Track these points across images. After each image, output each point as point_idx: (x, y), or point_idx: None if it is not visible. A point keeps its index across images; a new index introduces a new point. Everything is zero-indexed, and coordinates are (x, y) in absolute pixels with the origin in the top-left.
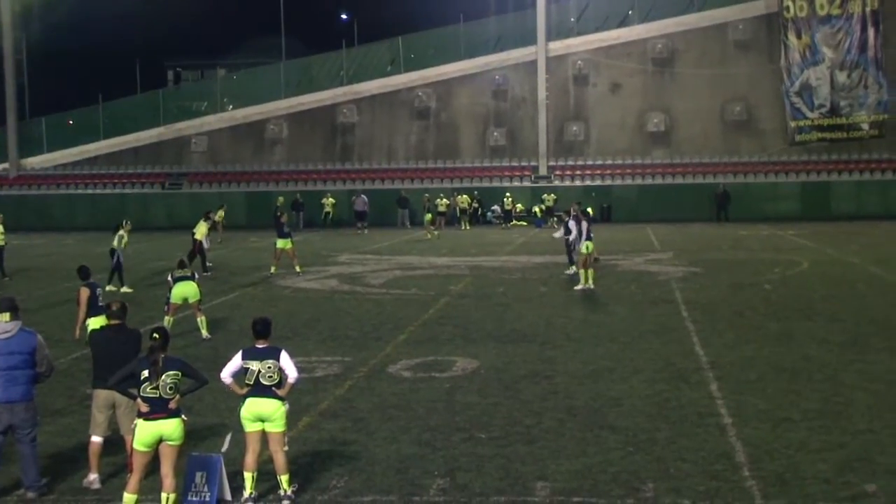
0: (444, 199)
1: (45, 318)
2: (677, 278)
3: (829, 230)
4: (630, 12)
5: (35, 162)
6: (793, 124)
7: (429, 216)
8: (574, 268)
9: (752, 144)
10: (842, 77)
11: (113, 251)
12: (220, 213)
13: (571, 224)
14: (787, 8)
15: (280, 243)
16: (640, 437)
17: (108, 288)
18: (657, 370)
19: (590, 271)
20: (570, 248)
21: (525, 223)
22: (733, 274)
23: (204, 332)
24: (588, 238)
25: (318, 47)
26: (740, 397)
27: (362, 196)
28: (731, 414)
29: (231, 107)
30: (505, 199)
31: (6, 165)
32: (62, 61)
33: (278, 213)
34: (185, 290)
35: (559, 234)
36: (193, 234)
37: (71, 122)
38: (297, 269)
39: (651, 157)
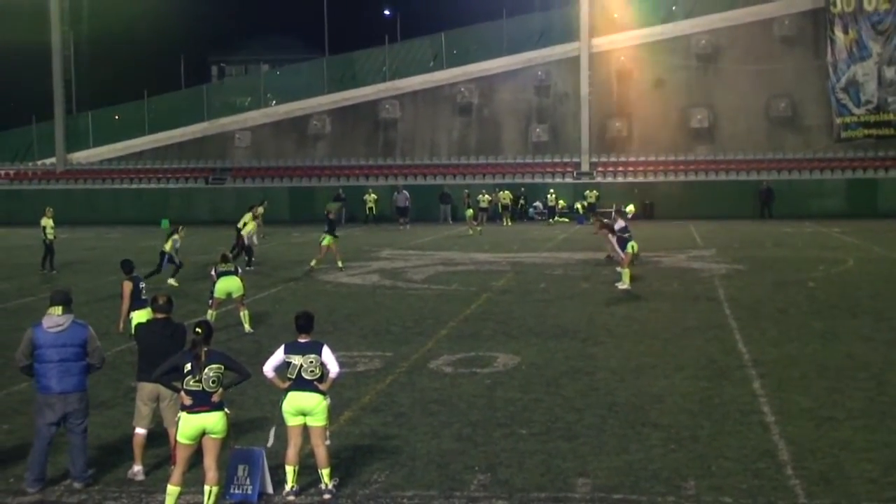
0: (486, 195)
1: (91, 311)
2: (720, 275)
3: (875, 227)
4: (674, 8)
5: (81, 157)
6: (839, 121)
7: (470, 212)
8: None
9: (797, 141)
10: (889, 73)
11: (162, 253)
12: (260, 209)
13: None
14: (834, 3)
15: (326, 239)
16: (682, 435)
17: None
18: (699, 367)
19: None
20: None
21: (567, 219)
22: (777, 271)
23: (247, 327)
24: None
25: (361, 43)
26: (783, 395)
27: (404, 192)
28: (775, 412)
29: (274, 102)
30: (549, 196)
31: (53, 160)
32: (108, 57)
33: (327, 212)
34: (228, 285)
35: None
36: (239, 228)
37: (117, 116)
38: (339, 264)
39: (694, 154)
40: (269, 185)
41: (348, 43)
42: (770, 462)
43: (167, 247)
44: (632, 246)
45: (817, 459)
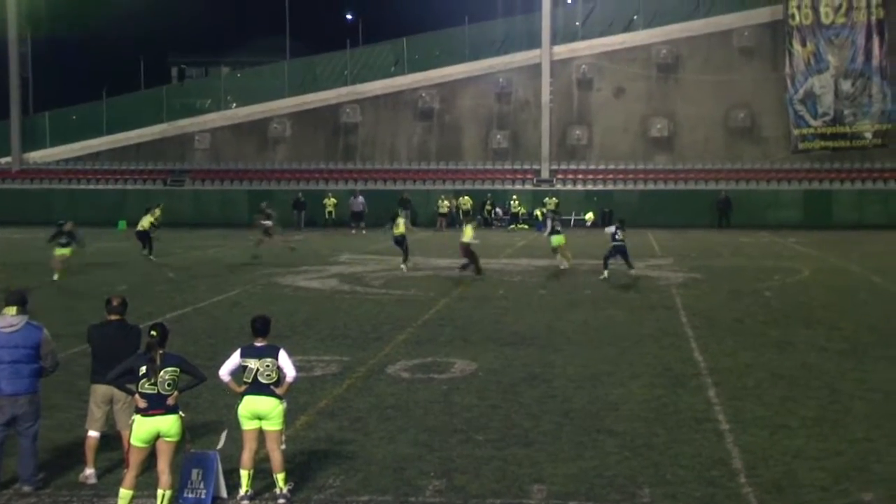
0: (445, 201)
1: (43, 312)
2: (677, 284)
3: (830, 238)
4: (635, 17)
5: (38, 156)
6: (796, 132)
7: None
8: (607, 272)
9: (755, 151)
10: (846, 86)
11: (400, 239)
12: (157, 211)
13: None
14: (793, 16)
15: (58, 251)
16: (638, 442)
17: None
18: (656, 375)
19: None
20: (611, 254)
21: (526, 226)
22: (733, 280)
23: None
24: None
25: (322, 47)
26: (738, 403)
27: (360, 196)
28: (729, 420)
29: (234, 105)
30: (511, 202)
31: (9, 159)
32: (66, 56)
33: (61, 222)
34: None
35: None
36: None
37: (75, 116)
38: (56, 276)
39: (653, 163)
40: (228, 187)
41: (310, 46)
42: (724, 470)
43: (398, 230)
44: (557, 240)
45: (770, 467)
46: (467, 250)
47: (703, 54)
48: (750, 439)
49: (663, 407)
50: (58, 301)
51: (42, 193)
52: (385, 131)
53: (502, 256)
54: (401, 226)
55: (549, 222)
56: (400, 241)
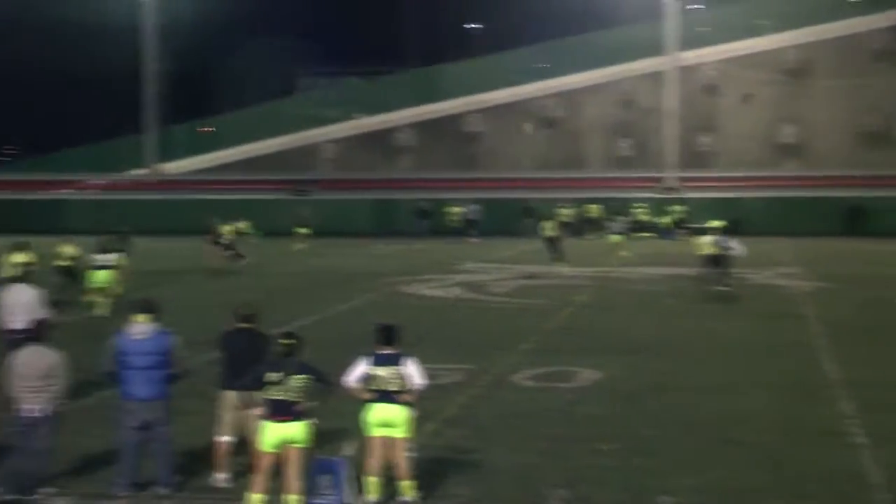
0: (565, 210)
1: (181, 320)
2: (807, 293)
3: None
4: (763, 22)
5: (172, 167)
6: None
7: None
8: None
9: (890, 157)
10: None
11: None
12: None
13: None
14: None
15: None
16: (766, 454)
17: None
18: (784, 386)
19: None
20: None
21: (650, 235)
22: (865, 290)
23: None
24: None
25: (446, 56)
26: (874, 416)
27: (473, 205)
28: (865, 434)
29: (360, 115)
30: (637, 210)
31: (147, 171)
32: (197, 70)
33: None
34: (99, 276)
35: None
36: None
37: (212, 129)
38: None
39: (782, 169)
40: (354, 196)
41: (433, 56)
42: (859, 484)
43: (549, 233)
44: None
45: None
46: (709, 260)
47: (833, 58)
48: (888, 454)
49: (792, 419)
50: (190, 308)
51: (176, 203)
52: (508, 140)
53: (626, 264)
54: (550, 229)
55: (612, 225)
56: (552, 242)
